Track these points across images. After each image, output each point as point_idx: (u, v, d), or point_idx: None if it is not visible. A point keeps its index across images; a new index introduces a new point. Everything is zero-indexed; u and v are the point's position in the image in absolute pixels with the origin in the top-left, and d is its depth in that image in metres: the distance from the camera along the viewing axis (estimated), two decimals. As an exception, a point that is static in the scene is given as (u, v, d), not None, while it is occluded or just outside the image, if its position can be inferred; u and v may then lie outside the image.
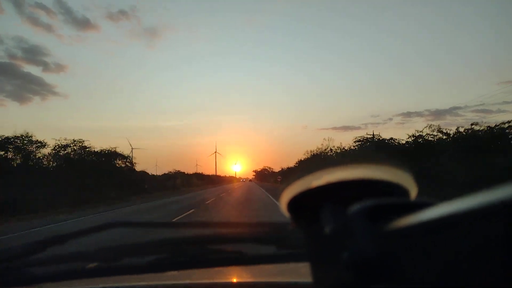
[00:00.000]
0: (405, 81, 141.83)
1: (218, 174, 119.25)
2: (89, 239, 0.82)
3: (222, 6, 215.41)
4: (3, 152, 20.32)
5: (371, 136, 25.22)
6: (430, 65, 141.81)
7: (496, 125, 17.31)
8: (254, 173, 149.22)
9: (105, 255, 0.72)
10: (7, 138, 20.65)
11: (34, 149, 22.46)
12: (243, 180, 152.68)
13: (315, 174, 0.44)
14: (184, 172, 62.92)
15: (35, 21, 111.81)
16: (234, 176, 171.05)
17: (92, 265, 0.73)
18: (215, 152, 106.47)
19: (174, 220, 10.39)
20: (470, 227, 0.23)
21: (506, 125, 16.90)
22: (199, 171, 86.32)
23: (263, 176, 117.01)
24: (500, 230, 0.21)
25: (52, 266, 0.71)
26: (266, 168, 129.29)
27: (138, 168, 35.48)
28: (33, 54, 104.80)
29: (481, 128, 17.73)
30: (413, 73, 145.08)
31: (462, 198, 0.26)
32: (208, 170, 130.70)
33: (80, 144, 26.02)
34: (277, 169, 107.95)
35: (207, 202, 18.08)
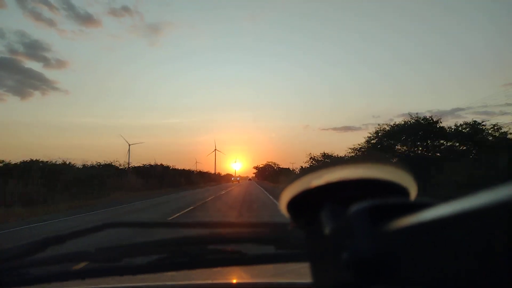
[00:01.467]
0: (408, 82, 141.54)
1: (217, 171, 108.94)
2: (88, 239, 0.81)
3: (224, 2, 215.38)
4: None
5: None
6: (434, 65, 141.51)
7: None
8: (255, 170, 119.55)
9: (105, 255, 0.72)
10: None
11: None
12: (235, 179, 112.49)
13: (314, 174, 0.44)
14: (162, 164, 44.25)
15: (37, 16, 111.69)
16: (234, 174, 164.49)
17: (92, 265, 0.73)
18: (215, 149, 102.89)
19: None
20: (470, 227, 0.23)
21: None
22: (199, 168, 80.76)
23: (267, 174, 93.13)
24: (500, 230, 0.21)
25: (52, 266, 0.71)
26: (270, 164, 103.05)
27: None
28: (35, 49, 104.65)
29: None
30: (416, 73, 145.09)
31: (462, 198, 0.26)
32: (208, 168, 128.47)
33: None
34: (284, 165, 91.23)
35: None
